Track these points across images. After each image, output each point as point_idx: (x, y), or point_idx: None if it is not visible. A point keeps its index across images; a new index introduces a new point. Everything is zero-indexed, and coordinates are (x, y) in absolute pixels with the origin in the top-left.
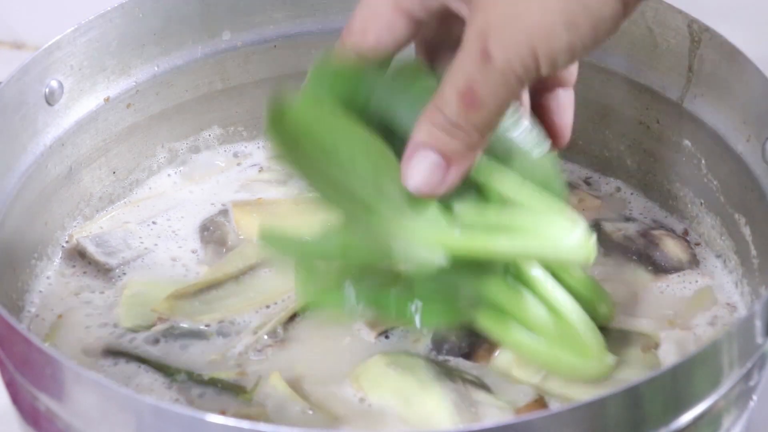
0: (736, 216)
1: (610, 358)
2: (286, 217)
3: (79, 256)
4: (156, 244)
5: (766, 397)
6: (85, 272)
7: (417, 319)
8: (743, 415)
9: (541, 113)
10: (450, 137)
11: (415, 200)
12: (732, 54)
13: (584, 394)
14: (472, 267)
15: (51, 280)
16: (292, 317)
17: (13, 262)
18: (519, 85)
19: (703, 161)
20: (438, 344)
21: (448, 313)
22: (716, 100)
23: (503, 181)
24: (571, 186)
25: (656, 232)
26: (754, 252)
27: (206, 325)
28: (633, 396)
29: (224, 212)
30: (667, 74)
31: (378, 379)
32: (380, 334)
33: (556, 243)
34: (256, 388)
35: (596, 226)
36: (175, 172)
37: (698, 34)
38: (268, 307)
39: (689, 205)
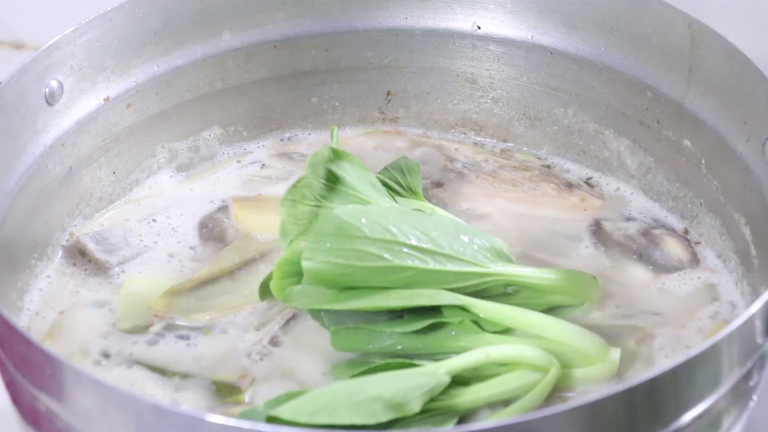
0: (736, 216)
1: (614, 354)
2: None
3: (79, 254)
4: (156, 242)
5: (766, 397)
6: (85, 269)
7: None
8: (743, 415)
9: None
10: None
11: None
12: (732, 54)
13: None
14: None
15: (51, 279)
16: (291, 317)
17: (13, 262)
18: None
19: (703, 161)
20: None
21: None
22: (716, 100)
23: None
24: (572, 186)
25: (657, 232)
26: (754, 252)
27: (203, 325)
28: (633, 396)
29: (223, 209)
30: (667, 74)
31: None
32: None
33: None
34: (250, 388)
35: (597, 226)
36: (175, 172)
37: (698, 34)
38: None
39: (689, 205)
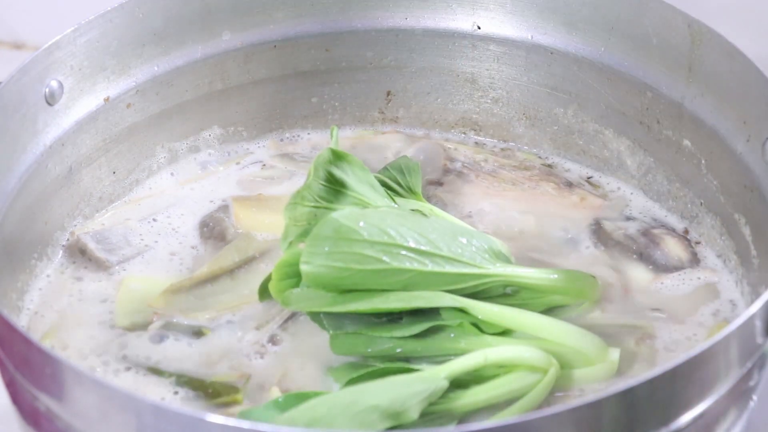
0: (736, 216)
1: (614, 354)
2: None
3: (79, 252)
4: (156, 241)
5: (766, 397)
6: (86, 268)
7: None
8: (743, 415)
9: None
10: None
11: None
12: (732, 54)
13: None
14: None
15: (51, 279)
16: (290, 316)
17: (13, 262)
18: None
19: (703, 161)
20: None
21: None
22: (716, 100)
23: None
24: (573, 185)
25: (657, 231)
26: (754, 252)
27: (202, 323)
28: (633, 396)
29: (224, 208)
30: (667, 74)
31: None
32: None
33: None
34: (249, 388)
35: (597, 225)
36: (175, 172)
37: (698, 34)
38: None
39: (689, 205)
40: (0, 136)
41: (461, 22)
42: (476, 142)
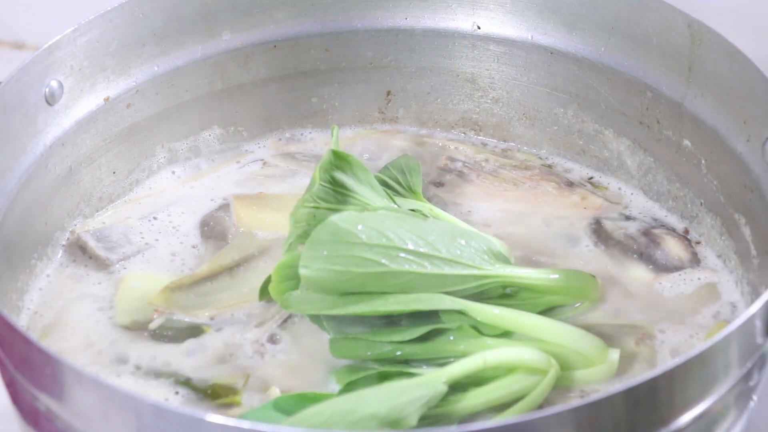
0: (736, 216)
1: (613, 355)
2: (286, 211)
3: (79, 250)
4: (157, 240)
5: (766, 397)
6: (86, 266)
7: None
8: (743, 415)
9: None
10: None
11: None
12: (732, 54)
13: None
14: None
15: (51, 278)
16: (290, 315)
17: (13, 262)
18: None
19: (703, 161)
20: None
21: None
22: (716, 100)
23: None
24: (574, 184)
25: (657, 231)
26: (754, 252)
27: (202, 322)
28: (633, 396)
29: (224, 207)
30: (667, 74)
31: None
32: None
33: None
34: (248, 387)
35: (597, 225)
36: (176, 172)
37: (698, 34)
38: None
39: (689, 205)
40: (0, 136)
41: (461, 22)
42: (476, 142)
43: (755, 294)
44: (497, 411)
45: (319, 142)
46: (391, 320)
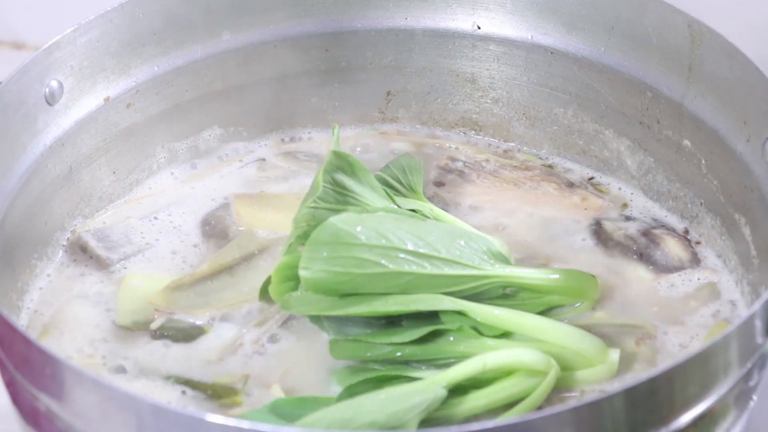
0: (736, 216)
1: (613, 355)
2: (287, 210)
3: (80, 250)
4: (157, 239)
5: (766, 397)
6: (86, 266)
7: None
8: (743, 415)
9: None
10: None
11: None
12: (732, 54)
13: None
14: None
15: (51, 278)
16: (290, 316)
17: (13, 262)
18: None
19: (703, 161)
20: None
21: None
22: (716, 100)
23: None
24: (574, 185)
25: (657, 231)
26: (754, 252)
27: (202, 321)
28: (633, 396)
29: (225, 206)
30: (667, 74)
31: None
32: None
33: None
34: (248, 387)
35: (597, 225)
36: (176, 172)
37: (698, 34)
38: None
39: (689, 205)
40: (0, 136)
41: (461, 22)
42: (476, 142)
43: (755, 294)
44: (497, 413)
45: (319, 142)
46: (390, 321)
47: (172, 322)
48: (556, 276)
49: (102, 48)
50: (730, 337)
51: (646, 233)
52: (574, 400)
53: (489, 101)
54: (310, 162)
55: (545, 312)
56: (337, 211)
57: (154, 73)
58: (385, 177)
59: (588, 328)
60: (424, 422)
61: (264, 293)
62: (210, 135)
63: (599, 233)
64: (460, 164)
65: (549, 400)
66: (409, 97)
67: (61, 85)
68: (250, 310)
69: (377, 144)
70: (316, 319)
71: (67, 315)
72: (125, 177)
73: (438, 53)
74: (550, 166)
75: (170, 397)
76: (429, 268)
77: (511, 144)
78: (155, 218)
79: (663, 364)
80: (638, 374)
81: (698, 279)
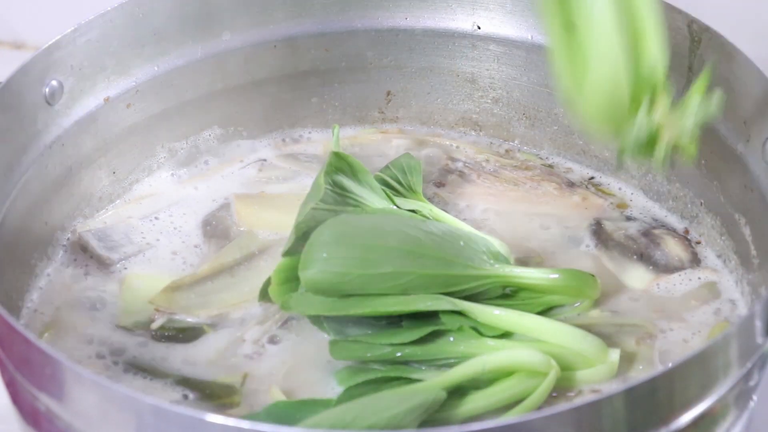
0: (736, 216)
1: (613, 355)
2: (288, 211)
3: (80, 250)
4: (158, 239)
5: (766, 397)
6: (87, 265)
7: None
8: (743, 415)
9: None
10: None
11: None
12: (732, 54)
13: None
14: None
15: (51, 278)
16: (290, 316)
17: (13, 262)
18: None
19: (703, 161)
20: None
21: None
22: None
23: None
24: (575, 185)
25: (657, 231)
26: (754, 252)
27: (202, 321)
28: (633, 396)
29: (226, 207)
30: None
31: None
32: None
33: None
34: (248, 388)
35: (597, 225)
36: (176, 172)
37: (698, 34)
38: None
39: (689, 205)
40: (0, 136)
41: (461, 22)
42: (476, 142)
43: (755, 294)
44: (497, 414)
45: (319, 142)
46: (391, 321)
47: (173, 323)
48: (556, 276)
49: (102, 48)
50: (730, 337)
51: (646, 233)
52: (574, 400)
53: (489, 101)
54: (311, 163)
55: (545, 312)
56: (336, 213)
57: (154, 73)
58: (385, 177)
59: (588, 328)
60: (424, 423)
61: (264, 294)
62: (210, 135)
63: (599, 233)
64: (460, 164)
65: (549, 400)
66: (409, 97)
67: (61, 85)
68: (251, 311)
69: (377, 144)
70: (316, 320)
71: (67, 315)
72: (125, 177)
73: (438, 53)
74: (550, 166)
75: (170, 397)
76: (429, 269)
77: (511, 144)
78: (156, 218)
79: (663, 364)
80: (638, 374)
81: (698, 279)
